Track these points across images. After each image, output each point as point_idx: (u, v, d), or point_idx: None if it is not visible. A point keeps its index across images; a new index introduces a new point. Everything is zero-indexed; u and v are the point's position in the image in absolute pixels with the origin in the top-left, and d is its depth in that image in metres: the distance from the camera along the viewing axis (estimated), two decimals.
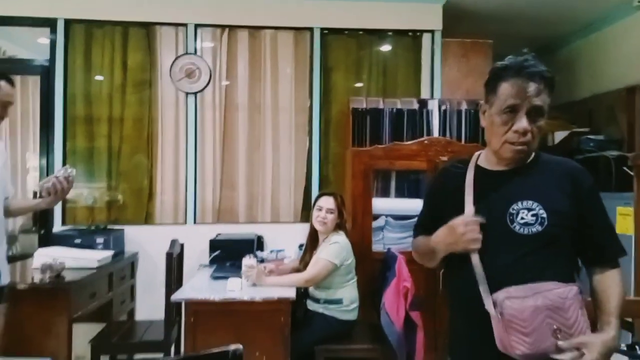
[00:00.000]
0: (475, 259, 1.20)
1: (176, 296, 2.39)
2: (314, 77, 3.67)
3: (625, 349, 1.55)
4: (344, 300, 2.58)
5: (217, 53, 3.67)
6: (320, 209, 2.69)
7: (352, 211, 3.07)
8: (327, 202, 2.69)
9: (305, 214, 3.52)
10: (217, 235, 3.25)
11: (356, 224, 3.07)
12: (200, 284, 2.62)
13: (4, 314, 2.22)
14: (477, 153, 1.37)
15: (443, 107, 3.38)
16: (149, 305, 3.26)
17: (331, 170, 3.70)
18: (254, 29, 3.70)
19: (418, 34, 3.77)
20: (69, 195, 3.44)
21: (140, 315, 3.35)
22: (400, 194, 3.30)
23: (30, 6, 3.41)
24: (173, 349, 2.77)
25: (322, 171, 3.68)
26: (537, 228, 1.19)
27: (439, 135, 3.33)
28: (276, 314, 2.33)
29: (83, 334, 2.78)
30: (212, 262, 3.02)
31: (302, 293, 2.74)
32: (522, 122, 1.18)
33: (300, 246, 3.07)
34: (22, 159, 4.12)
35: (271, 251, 3.31)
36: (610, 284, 1.23)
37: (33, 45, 3.70)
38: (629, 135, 3.47)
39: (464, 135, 3.38)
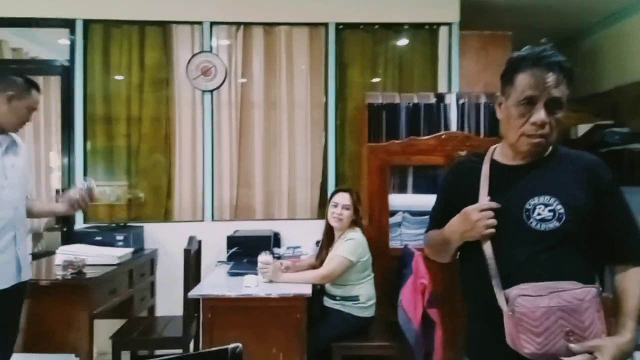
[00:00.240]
0: (488, 251, 1.18)
1: (193, 292, 2.41)
2: (329, 73, 3.65)
3: None
4: (361, 297, 2.57)
5: (233, 50, 3.69)
6: (335, 205, 2.67)
7: (369, 207, 3.05)
8: (343, 198, 2.68)
9: (322, 210, 3.51)
10: (234, 232, 3.27)
11: (373, 220, 3.04)
12: (217, 281, 2.64)
13: (26, 309, 2.28)
14: (492, 147, 1.34)
15: (461, 101, 3.32)
16: (169, 302, 3.31)
17: (347, 167, 3.69)
18: (269, 26, 3.70)
19: (435, 27, 3.72)
20: None
21: (160, 311, 3.40)
22: (417, 189, 3.25)
23: (50, 7, 3.47)
24: (192, 344, 2.80)
25: (338, 168, 3.66)
26: (554, 224, 1.16)
27: (457, 129, 3.27)
28: (292, 310, 2.33)
29: (105, 330, 2.83)
30: (229, 258, 3.04)
31: (319, 290, 2.74)
32: (540, 114, 1.15)
33: (317, 243, 3.06)
34: (46, 158, 4.22)
35: (288, 248, 3.31)
36: (631, 283, 1.18)
37: (54, 46, 3.77)
38: None
39: (482, 129, 3.32)
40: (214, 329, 2.34)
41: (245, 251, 3.00)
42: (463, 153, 2.98)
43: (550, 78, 1.14)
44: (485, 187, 1.24)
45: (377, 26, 3.72)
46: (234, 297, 2.33)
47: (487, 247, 1.18)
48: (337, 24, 3.66)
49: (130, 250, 3.01)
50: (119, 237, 3.11)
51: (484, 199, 1.22)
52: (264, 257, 2.51)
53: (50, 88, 3.96)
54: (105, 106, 3.62)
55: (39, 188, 4.17)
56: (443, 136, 3.13)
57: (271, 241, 3.16)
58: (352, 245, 2.57)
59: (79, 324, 2.46)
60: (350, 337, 2.52)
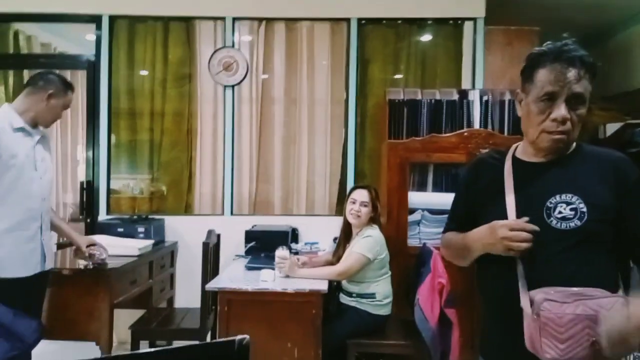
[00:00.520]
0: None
1: (211, 285, 2.43)
2: (350, 69, 3.63)
3: None
4: (377, 294, 2.55)
5: (254, 46, 3.70)
6: (354, 202, 2.65)
7: (388, 205, 3.02)
8: (361, 195, 2.66)
9: (340, 207, 3.49)
10: (252, 227, 3.29)
11: (391, 218, 3.01)
12: (235, 274, 2.66)
13: (48, 298, 2.34)
14: (515, 145, 1.31)
15: (485, 98, 3.25)
16: (187, 294, 3.35)
17: (367, 164, 3.66)
18: (291, 21, 3.69)
19: (459, 22, 3.65)
20: (114, 186, 3.63)
21: (179, 303, 3.46)
22: (438, 187, 3.21)
23: (78, 3, 3.55)
24: (210, 336, 2.83)
25: (358, 164, 3.64)
26: (576, 223, 1.12)
27: (480, 127, 3.20)
28: (308, 306, 2.32)
29: (125, 320, 2.89)
30: (247, 252, 3.06)
31: (335, 287, 2.73)
32: (561, 110, 1.12)
33: (335, 239, 3.05)
34: (72, 151, 4.32)
35: (305, 243, 3.31)
36: None
37: (81, 41, 3.85)
38: None
39: (507, 127, 3.24)
40: (231, 321, 2.36)
41: (263, 246, 3.01)
42: (485, 151, 2.92)
43: (571, 73, 1.11)
44: (510, 185, 1.21)
45: (399, 21, 3.68)
46: (250, 291, 2.35)
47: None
48: (360, 19, 3.63)
49: (151, 242, 3.06)
50: (141, 229, 3.16)
51: (509, 198, 1.19)
52: (281, 252, 2.51)
53: (76, 83, 4.02)
54: (130, 101, 3.68)
55: (65, 180, 4.28)
56: (465, 133, 3.07)
57: (289, 236, 3.17)
58: (369, 242, 2.55)
59: (99, 313, 2.50)
60: (366, 334, 2.50)
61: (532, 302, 1.10)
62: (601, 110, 3.79)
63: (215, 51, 3.61)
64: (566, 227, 1.13)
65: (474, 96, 3.26)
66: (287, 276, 2.48)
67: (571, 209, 1.13)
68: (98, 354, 2.47)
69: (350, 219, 2.67)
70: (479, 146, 3.00)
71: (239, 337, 0.83)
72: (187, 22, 3.69)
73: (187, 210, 3.65)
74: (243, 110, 3.68)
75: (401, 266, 2.81)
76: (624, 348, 1.03)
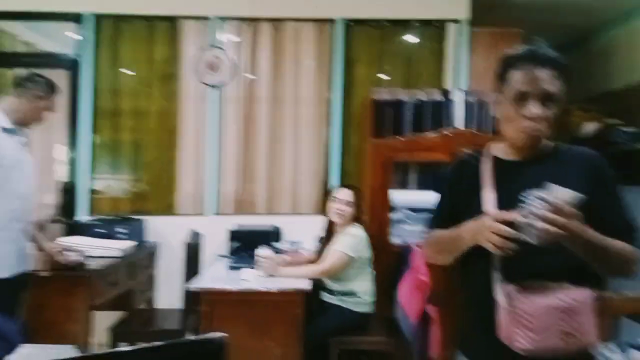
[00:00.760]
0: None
1: (192, 285, 2.41)
2: (335, 69, 3.64)
3: None
4: (359, 292, 2.55)
5: (240, 46, 3.69)
6: (337, 201, 2.66)
7: (371, 203, 3.01)
8: (345, 194, 2.66)
9: (325, 206, 3.49)
10: (236, 226, 3.26)
11: (374, 216, 3.01)
12: (217, 274, 2.64)
13: (26, 300, 2.31)
14: (492, 144, 1.34)
15: (468, 98, 3.28)
16: (169, 295, 3.31)
17: (352, 163, 3.66)
18: (277, 22, 3.69)
19: (442, 23, 3.68)
20: (97, 186, 3.59)
21: (161, 304, 3.41)
22: (421, 187, 3.22)
23: (62, 2, 3.52)
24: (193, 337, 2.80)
25: (343, 163, 3.64)
26: None
27: (464, 127, 3.23)
28: (291, 305, 2.32)
29: (105, 322, 2.84)
30: (231, 252, 3.03)
31: (318, 285, 2.72)
32: (534, 108, 1.16)
33: (321, 239, 3.04)
34: (52, 152, 4.25)
35: (289, 243, 3.29)
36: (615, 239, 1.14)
37: (64, 40, 3.80)
38: None
39: (491, 127, 3.27)
40: (213, 321, 2.34)
41: (246, 245, 2.98)
42: (467, 151, 2.94)
43: (543, 73, 1.16)
44: (490, 183, 1.24)
45: (385, 22, 3.70)
46: (233, 291, 2.33)
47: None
48: (346, 20, 3.64)
49: (131, 243, 3.02)
50: (121, 230, 3.13)
51: (489, 196, 1.22)
52: (263, 252, 2.50)
53: (59, 81, 3.98)
54: (113, 100, 3.65)
55: (44, 181, 4.20)
56: (448, 134, 3.09)
57: (272, 236, 3.15)
58: (352, 240, 2.55)
59: (78, 316, 2.46)
60: (348, 332, 2.50)
61: (507, 295, 1.12)
62: (581, 111, 3.85)
63: (200, 51, 3.59)
64: None
65: (458, 97, 3.29)
66: (270, 275, 2.46)
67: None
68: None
69: (334, 218, 2.67)
70: (462, 146, 2.98)
71: (215, 334, 0.82)
72: (172, 22, 3.67)
73: (170, 210, 3.61)
74: (228, 110, 3.66)
75: (384, 264, 2.81)
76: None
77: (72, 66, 3.58)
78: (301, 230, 3.37)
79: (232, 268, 2.68)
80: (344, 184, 2.85)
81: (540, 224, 1.01)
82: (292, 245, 3.23)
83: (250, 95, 3.70)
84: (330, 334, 2.48)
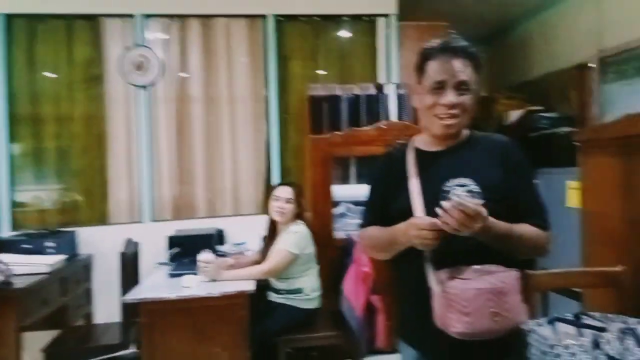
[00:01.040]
0: None
1: (129, 296, 2.30)
2: (269, 65, 3.60)
3: (571, 318, 1.56)
4: (305, 289, 2.55)
5: (168, 44, 3.56)
6: (277, 199, 2.64)
7: (313, 199, 3.03)
8: (284, 191, 2.65)
9: (267, 205, 3.47)
10: (175, 232, 3.16)
11: (317, 211, 3.03)
12: (156, 283, 2.54)
13: None
14: (415, 136, 1.39)
15: (400, 91, 3.37)
16: (108, 308, 3.15)
17: (292, 160, 3.66)
18: (206, 18, 3.60)
19: (373, 18, 3.74)
20: (20, 199, 3.35)
21: (99, 318, 3.24)
22: (360, 180, 3.28)
23: None
24: (135, 350, 2.69)
25: (283, 161, 3.63)
26: None
27: (397, 119, 3.31)
28: (235, 308, 2.28)
29: (38, 343, 2.66)
30: (170, 259, 2.93)
31: (264, 285, 2.70)
32: (449, 96, 1.22)
33: (264, 238, 3.01)
34: None
35: (233, 244, 3.24)
36: (523, 224, 1.22)
37: None
38: (580, 111, 3.54)
39: (412, 119, 3.37)
40: (154, 332, 2.26)
41: (187, 251, 2.89)
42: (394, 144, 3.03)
43: (457, 63, 1.23)
44: (413, 174, 1.29)
45: (316, 18, 3.70)
46: (173, 299, 2.25)
47: None
48: (276, 16, 3.61)
49: (62, 257, 2.85)
50: (50, 244, 2.94)
51: (413, 185, 1.26)
52: (204, 256, 2.43)
53: None
54: (32, 105, 3.41)
55: None
56: (383, 126, 3.16)
57: (214, 239, 3.08)
58: (294, 238, 2.55)
59: (6, 339, 2.31)
60: (296, 329, 2.50)
61: (439, 282, 1.16)
62: (506, 99, 4.07)
63: (125, 50, 3.43)
64: None
65: (390, 90, 3.37)
66: (213, 280, 2.41)
67: (466, 191, 1.20)
68: None
69: (275, 217, 2.65)
70: (397, 138, 3.05)
71: (128, 350, 0.78)
72: (93, 20, 3.47)
73: (103, 219, 3.44)
74: (159, 110, 3.53)
75: (329, 259, 2.84)
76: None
77: None
78: (245, 231, 3.33)
79: (173, 275, 2.59)
80: (283, 181, 2.83)
81: (450, 223, 1.08)
82: (236, 247, 3.18)
83: (183, 95, 3.58)
84: (277, 334, 2.47)
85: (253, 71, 3.65)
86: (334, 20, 3.74)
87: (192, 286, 2.33)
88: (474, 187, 1.20)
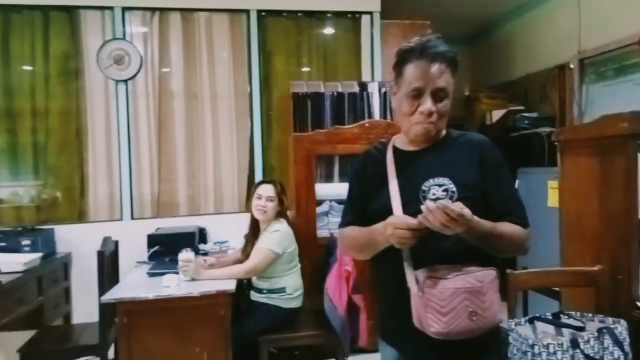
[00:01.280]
0: None
1: (107, 297, 2.25)
2: (252, 61, 3.56)
3: (550, 317, 1.58)
4: (287, 288, 2.53)
5: (148, 38, 3.49)
6: (259, 198, 2.61)
7: (296, 197, 3.02)
8: (266, 190, 2.62)
9: (250, 203, 3.44)
10: (156, 230, 3.11)
11: (300, 210, 3.02)
12: (135, 282, 2.49)
13: None
14: (395, 136, 1.39)
15: (383, 90, 3.36)
16: (87, 308, 3.08)
17: (275, 157, 3.63)
18: (187, 12, 3.54)
19: (357, 15, 3.73)
20: None
21: (78, 318, 3.18)
22: (344, 178, 3.27)
23: None
24: (113, 350, 2.64)
25: (266, 158, 3.60)
26: None
27: (380, 117, 3.31)
28: (215, 307, 2.25)
29: (15, 343, 2.59)
30: (150, 258, 2.88)
31: (246, 284, 2.68)
32: (427, 104, 1.22)
33: (245, 236, 2.99)
34: None
35: (215, 243, 3.21)
36: (504, 222, 1.22)
37: None
38: (561, 111, 3.59)
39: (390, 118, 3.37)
40: (132, 333, 2.22)
41: (167, 249, 2.85)
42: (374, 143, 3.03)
43: (434, 68, 1.21)
44: (392, 173, 1.28)
45: (300, 14, 3.67)
46: (152, 299, 2.21)
47: None
48: (259, 11, 3.57)
49: (38, 255, 2.78)
50: (25, 242, 2.87)
51: (392, 184, 1.26)
52: (184, 255, 2.39)
53: None
54: (7, 99, 3.31)
55: None
56: (366, 124, 3.16)
57: (196, 237, 3.05)
58: (277, 237, 2.52)
59: None
60: (279, 329, 2.48)
61: (417, 281, 1.16)
62: (488, 98, 4.11)
63: (103, 44, 3.35)
64: None
65: (373, 88, 3.36)
66: (193, 279, 2.38)
67: (443, 190, 1.21)
68: None
69: (257, 215, 2.63)
70: (380, 136, 3.09)
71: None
72: (71, 12, 3.38)
73: (82, 217, 3.37)
74: (139, 105, 3.46)
75: (312, 257, 2.82)
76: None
77: None
78: (227, 229, 3.30)
79: (152, 275, 2.55)
80: (265, 179, 2.80)
81: (433, 223, 1.07)
82: (218, 245, 3.15)
83: (163, 90, 3.53)
84: (260, 333, 2.44)
85: (235, 67, 3.61)
86: (318, 16, 3.72)
87: (172, 286, 2.29)
88: (451, 186, 1.21)
